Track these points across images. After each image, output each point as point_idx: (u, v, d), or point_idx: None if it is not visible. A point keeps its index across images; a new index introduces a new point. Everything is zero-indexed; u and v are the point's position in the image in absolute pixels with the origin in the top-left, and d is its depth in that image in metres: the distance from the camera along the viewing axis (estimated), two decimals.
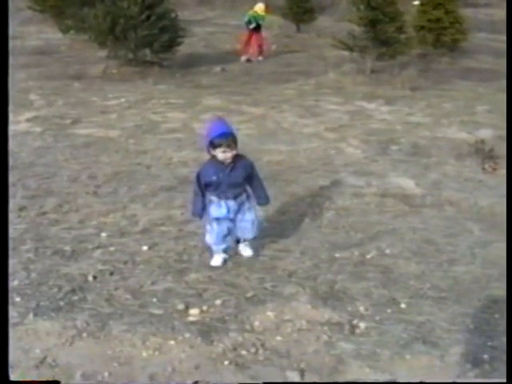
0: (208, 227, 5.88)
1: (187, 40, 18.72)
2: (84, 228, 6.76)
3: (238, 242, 6.16)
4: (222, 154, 5.49)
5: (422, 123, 12.14)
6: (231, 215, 5.78)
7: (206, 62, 18.97)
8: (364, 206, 7.71)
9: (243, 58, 20.45)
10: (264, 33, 21.66)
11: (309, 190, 8.22)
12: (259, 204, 6.02)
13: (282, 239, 6.64)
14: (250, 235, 6.02)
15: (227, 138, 5.46)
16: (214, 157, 5.55)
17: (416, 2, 25.44)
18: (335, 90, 15.40)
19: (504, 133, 11.23)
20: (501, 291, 5.50)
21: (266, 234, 6.70)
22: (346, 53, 18.11)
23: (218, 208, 5.74)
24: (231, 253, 6.11)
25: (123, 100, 13.47)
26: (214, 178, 5.59)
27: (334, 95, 14.69)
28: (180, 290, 5.48)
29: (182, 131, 11.06)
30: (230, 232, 5.90)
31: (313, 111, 12.94)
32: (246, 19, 21.30)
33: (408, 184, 8.56)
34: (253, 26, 20.89)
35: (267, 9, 21.57)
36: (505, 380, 3.64)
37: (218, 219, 5.77)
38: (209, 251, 6.03)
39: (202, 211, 5.76)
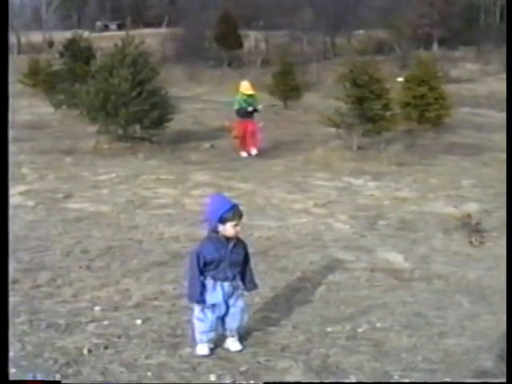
0: (200, 315, 5.64)
1: (176, 116, 18.99)
2: (78, 302, 6.78)
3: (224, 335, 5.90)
4: (233, 229, 5.41)
5: (408, 198, 12.32)
6: (226, 299, 5.61)
7: (195, 139, 19.21)
8: (354, 281, 7.78)
9: (244, 154, 17.64)
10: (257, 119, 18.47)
11: (299, 265, 8.29)
12: (248, 289, 5.83)
13: (273, 314, 6.66)
14: (236, 324, 5.76)
15: (237, 211, 5.45)
16: (216, 233, 5.46)
17: (400, 79, 26.09)
18: (323, 166, 15.61)
19: (490, 206, 11.49)
20: (490, 362, 5.61)
21: (258, 308, 6.75)
22: (333, 129, 18.39)
23: (212, 293, 5.55)
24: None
25: (114, 175, 13.61)
26: (216, 255, 5.45)
27: (322, 171, 14.89)
28: (174, 364, 5.49)
29: (172, 207, 11.16)
30: (221, 320, 5.72)
31: (301, 187, 13.10)
32: (236, 106, 17.97)
33: (397, 258, 8.67)
34: (250, 109, 17.63)
35: (253, 86, 18.54)
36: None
37: (213, 306, 5.58)
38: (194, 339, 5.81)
39: (200, 296, 5.52)
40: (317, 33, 71.87)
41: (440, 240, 9.62)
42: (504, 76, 61.04)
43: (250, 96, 17.88)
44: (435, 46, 71.89)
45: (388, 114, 17.96)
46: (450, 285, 7.75)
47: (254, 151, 17.51)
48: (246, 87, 18.01)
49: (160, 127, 18.22)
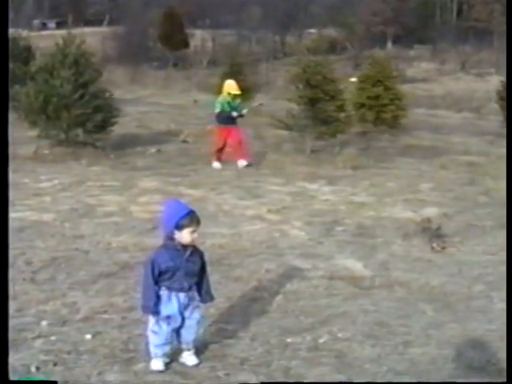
0: (155, 327, 5.40)
1: (120, 120, 18.57)
2: (23, 316, 6.45)
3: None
4: (190, 235, 5.24)
5: (365, 203, 12.17)
6: (181, 311, 5.39)
7: (140, 143, 18.84)
8: (312, 290, 7.58)
9: (217, 165, 15.97)
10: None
11: (254, 273, 8.04)
12: (204, 301, 5.64)
13: (230, 325, 6.43)
14: (192, 336, 5.54)
15: (195, 217, 5.27)
16: (172, 241, 5.28)
17: (353, 79, 26.05)
18: (275, 170, 15.40)
19: (450, 210, 11.43)
20: (458, 371, 5.52)
21: (214, 320, 6.51)
22: (285, 132, 18.19)
23: (167, 304, 5.33)
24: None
25: (56, 182, 13.15)
26: (171, 264, 5.25)
27: (275, 176, 14.66)
28: (129, 381, 5.20)
29: (119, 215, 10.76)
30: (176, 333, 5.50)
31: (253, 192, 12.84)
32: (217, 109, 16.01)
33: (355, 265, 8.48)
34: (235, 114, 15.79)
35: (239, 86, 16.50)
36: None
37: (168, 317, 5.35)
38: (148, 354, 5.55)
39: (155, 307, 5.31)
40: (266, 31, 71.88)
41: (400, 246, 9.46)
42: (460, 75, 62.01)
43: (235, 97, 16.10)
44: (389, 44, 72.20)
45: (342, 115, 17.77)
46: (412, 292, 7.59)
47: (243, 163, 15.75)
48: (232, 86, 16.09)
49: (104, 131, 17.77)
